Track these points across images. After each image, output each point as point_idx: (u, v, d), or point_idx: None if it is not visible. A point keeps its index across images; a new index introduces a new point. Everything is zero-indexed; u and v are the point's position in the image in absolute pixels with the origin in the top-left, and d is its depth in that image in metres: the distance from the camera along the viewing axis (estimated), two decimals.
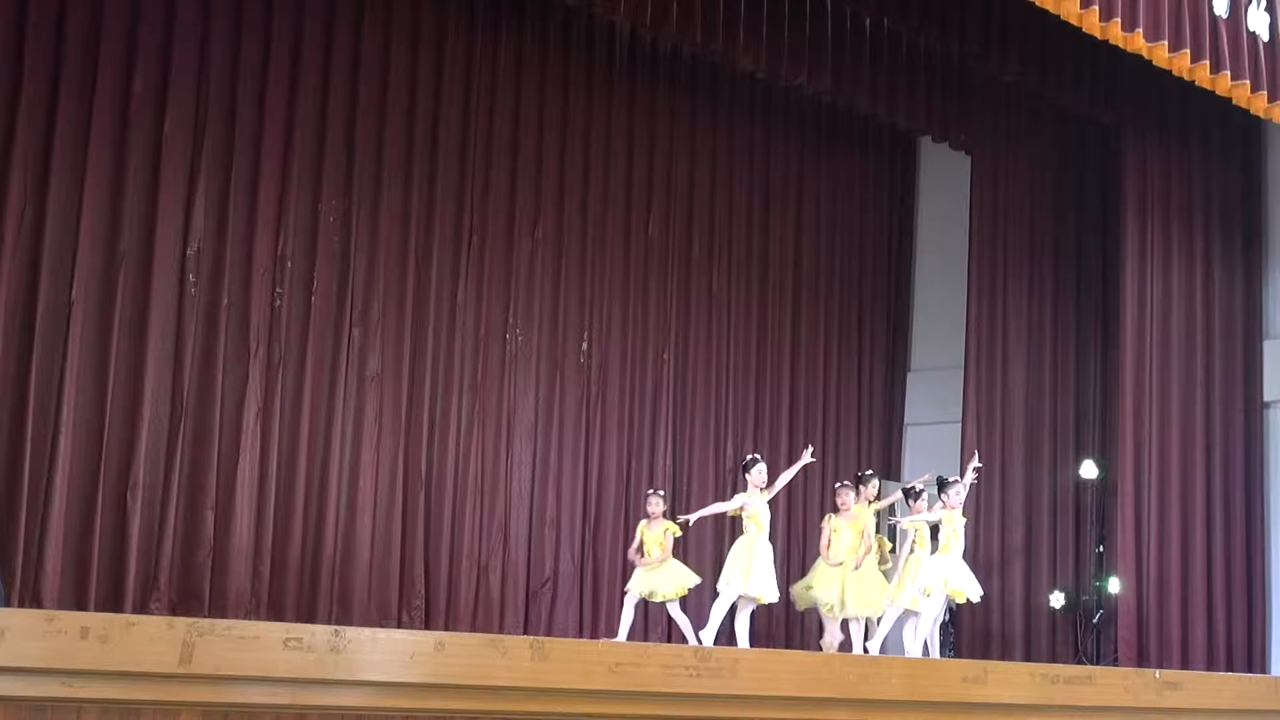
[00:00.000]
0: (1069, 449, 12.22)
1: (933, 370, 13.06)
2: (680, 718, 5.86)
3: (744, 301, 12.05)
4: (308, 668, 4.81)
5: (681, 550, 9.82)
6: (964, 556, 9.11)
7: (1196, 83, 9.52)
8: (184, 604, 8.85)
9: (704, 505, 9.70)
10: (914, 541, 9.23)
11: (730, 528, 10.10)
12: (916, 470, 11.86)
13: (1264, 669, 11.34)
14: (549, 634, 10.21)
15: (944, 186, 13.16)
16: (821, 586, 9.16)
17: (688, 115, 11.77)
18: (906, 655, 9.02)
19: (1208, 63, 9.25)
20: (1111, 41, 9.05)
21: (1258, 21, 9.58)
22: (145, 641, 4.53)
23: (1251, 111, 9.84)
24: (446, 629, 9.60)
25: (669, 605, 9.03)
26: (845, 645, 9.38)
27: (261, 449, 9.36)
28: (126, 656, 4.48)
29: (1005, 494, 11.85)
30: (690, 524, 9.22)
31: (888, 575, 9.45)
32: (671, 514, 10.03)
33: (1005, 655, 11.44)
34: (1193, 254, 11.72)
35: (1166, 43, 9.02)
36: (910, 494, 9.52)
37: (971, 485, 9.61)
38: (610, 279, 11.22)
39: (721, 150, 12.00)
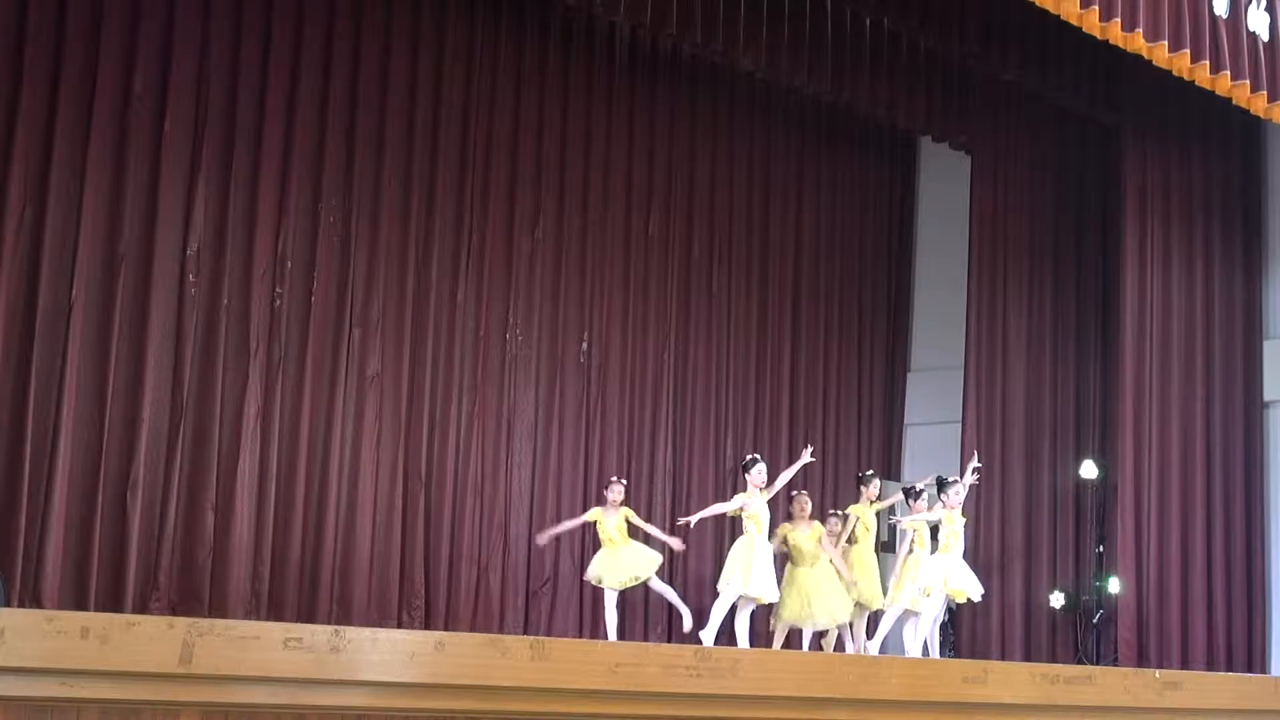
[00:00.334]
0: (1069, 449, 12.21)
1: (933, 370, 13.05)
2: (680, 718, 5.87)
3: (744, 301, 12.03)
4: (308, 668, 4.82)
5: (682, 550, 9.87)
6: (964, 556, 9.12)
7: (1196, 83, 9.53)
8: (184, 604, 8.83)
9: (704, 505, 9.71)
10: (913, 541, 9.25)
11: (730, 528, 10.10)
12: (916, 470, 11.88)
13: (1264, 669, 11.35)
14: (549, 634, 10.20)
15: (944, 187, 13.14)
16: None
17: (688, 115, 11.75)
18: (906, 655, 9.03)
19: (1208, 63, 9.26)
20: (1111, 41, 9.06)
21: (1258, 21, 9.58)
22: (145, 641, 4.53)
23: (1251, 111, 9.85)
24: (446, 629, 9.59)
25: (651, 583, 9.05)
26: (840, 645, 9.42)
27: (261, 449, 9.34)
28: (126, 656, 4.49)
29: (1005, 494, 11.83)
30: (691, 526, 9.23)
31: (885, 574, 9.48)
32: (672, 514, 10.05)
33: (1005, 655, 11.44)
34: (1193, 254, 11.73)
35: (1166, 43, 9.02)
36: (910, 494, 9.53)
37: (971, 485, 9.62)
38: (610, 279, 11.21)
39: (721, 150, 11.98)
